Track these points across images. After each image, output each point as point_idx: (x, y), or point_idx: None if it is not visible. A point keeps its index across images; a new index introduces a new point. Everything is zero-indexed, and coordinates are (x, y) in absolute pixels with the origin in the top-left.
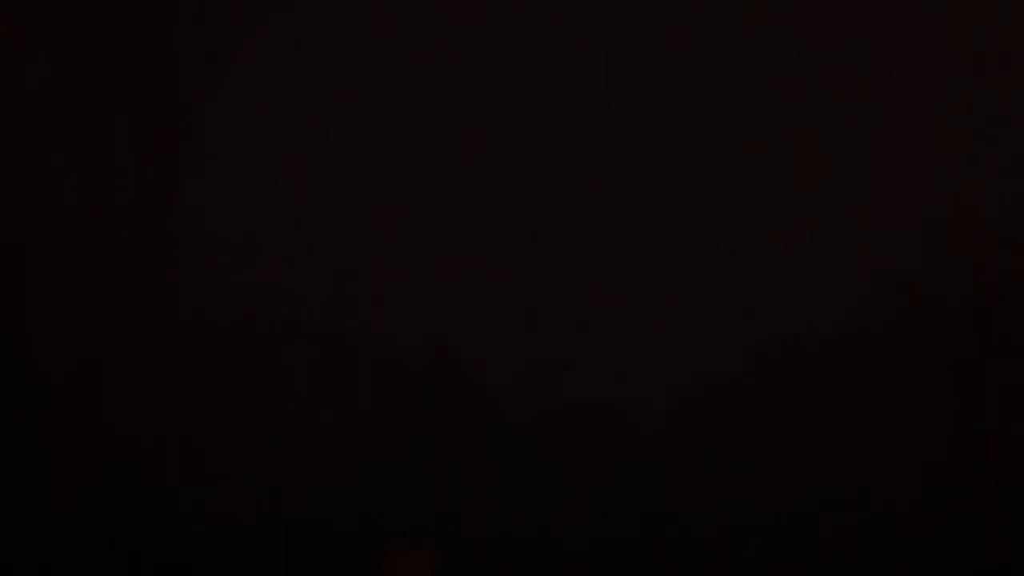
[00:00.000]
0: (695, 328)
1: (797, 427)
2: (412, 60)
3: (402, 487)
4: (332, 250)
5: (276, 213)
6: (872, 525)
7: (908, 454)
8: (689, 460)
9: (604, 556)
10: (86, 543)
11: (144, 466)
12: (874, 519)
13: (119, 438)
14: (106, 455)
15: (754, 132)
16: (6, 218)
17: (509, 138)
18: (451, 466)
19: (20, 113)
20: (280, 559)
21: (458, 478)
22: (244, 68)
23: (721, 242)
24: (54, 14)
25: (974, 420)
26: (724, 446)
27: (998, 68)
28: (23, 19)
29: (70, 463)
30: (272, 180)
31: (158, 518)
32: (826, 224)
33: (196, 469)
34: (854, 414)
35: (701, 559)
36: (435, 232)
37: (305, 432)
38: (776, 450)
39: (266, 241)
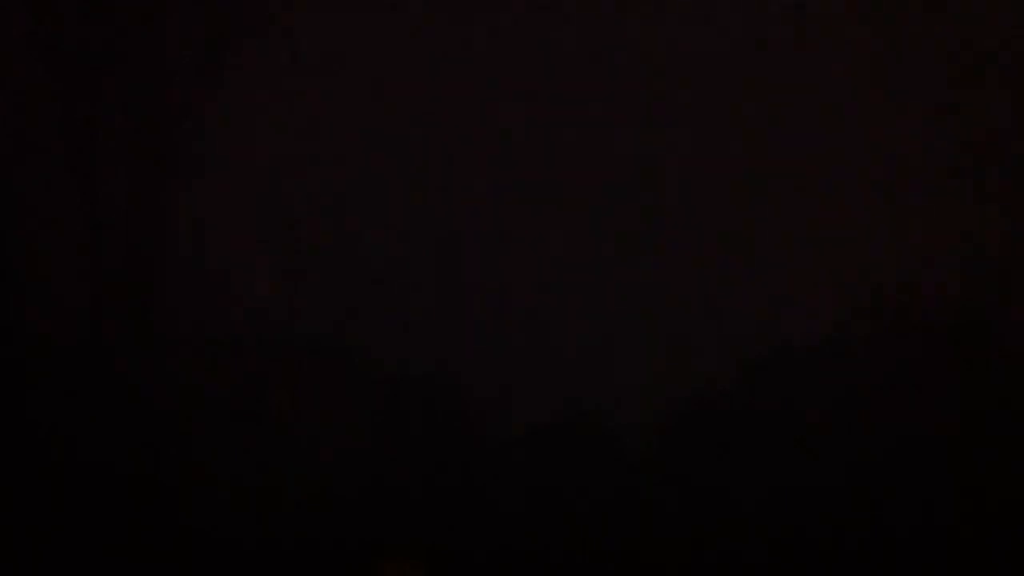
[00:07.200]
0: (684, 343)
1: (787, 437)
2: (412, 67)
3: (392, 499)
4: (323, 266)
5: (268, 225)
6: (865, 528)
7: (897, 458)
8: (678, 476)
9: (594, 568)
10: (80, 544)
11: (139, 474)
12: (867, 522)
13: (112, 448)
14: (100, 461)
15: (747, 149)
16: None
17: (502, 159)
18: (441, 479)
19: (11, 118)
20: (272, 568)
21: (448, 491)
22: (239, 78)
23: (712, 255)
24: (47, 17)
25: (960, 421)
26: (713, 459)
27: (990, 87)
28: (14, 22)
29: (66, 464)
30: (264, 190)
31: (153, 526)
32: (814, 238)
33: (190, 479)
34: (842, 420)
35: (695, 571)
36: (429, 251)
37: (296, 445)
38: (764, 463)
39: (260, 254)
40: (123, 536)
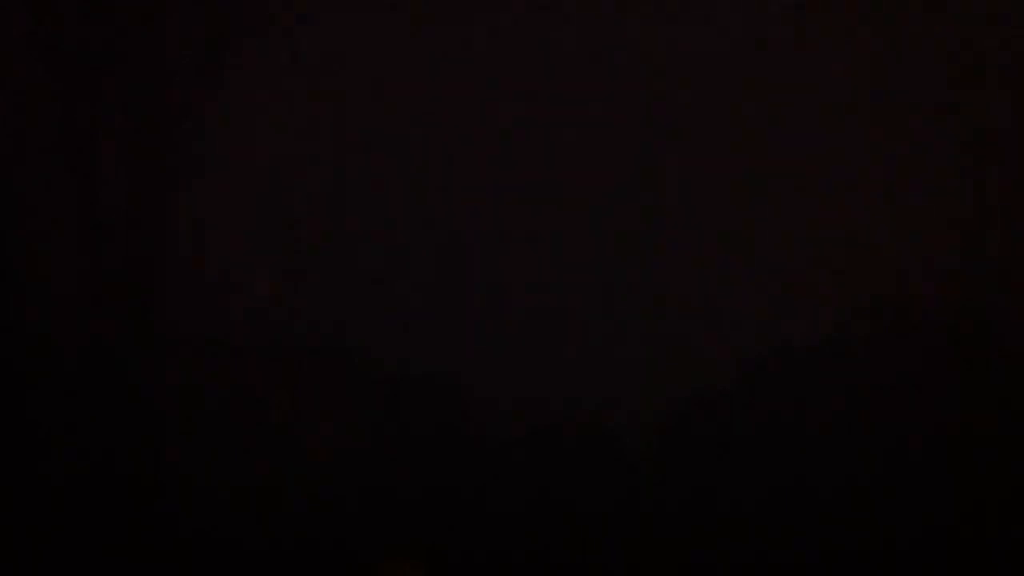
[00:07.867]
0: (684, 344)
1: (787, 437)
2: (412, 67)
3: (392, 499)
4: (323, 266)
5: (268, 225)
6: (865, 528)
7: (897, 458)
8: (678, 476)
9: (594, 568)
10: (80, 544)
11: (139, 474)
12: (867, 522)
13: (111, 451)
14: (100, 461)
15: (747, 149)
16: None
17: (502, 159)
18: (441, 479)
19: (11, 118)
20: (272, 569)
21: (448, 491)
22: (239, 78)
23: (712, 255)
24: (47, 17)
25: (960, 421)
26: (713, 459)
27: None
28: (14, 22)
29: (65, 464)
30: (264, 190)
31: (153, 526)
32: (814, 238)
33: (190, 479)
34: (842, 420)
35: (695, 570)
36: (429, 251)
37: (296, 445)
38: (764, 463)
39: (258, 256)
40: (123, 536)
